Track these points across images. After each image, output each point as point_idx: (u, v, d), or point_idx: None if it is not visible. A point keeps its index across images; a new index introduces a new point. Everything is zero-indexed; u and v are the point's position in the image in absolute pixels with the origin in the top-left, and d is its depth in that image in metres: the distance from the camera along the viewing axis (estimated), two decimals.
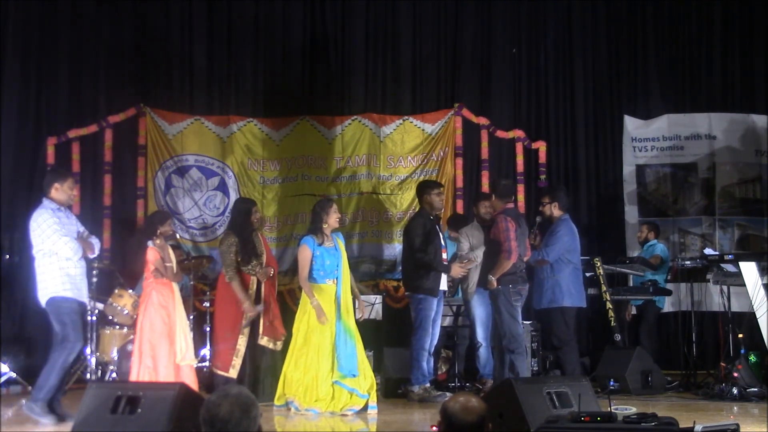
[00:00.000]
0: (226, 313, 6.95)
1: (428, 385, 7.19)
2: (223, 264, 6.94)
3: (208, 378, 7.45)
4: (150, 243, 6.69)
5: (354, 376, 6.41)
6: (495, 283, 6.74)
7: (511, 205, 6.98)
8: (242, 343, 6.81)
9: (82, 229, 6.34)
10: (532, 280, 7.30)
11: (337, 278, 6.58)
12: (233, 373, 6.78)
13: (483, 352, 7.55)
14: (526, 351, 7.80)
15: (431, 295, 7.17)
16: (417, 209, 7.81)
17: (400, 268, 8.28)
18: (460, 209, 9.25)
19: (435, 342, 7.36)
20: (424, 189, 7.49)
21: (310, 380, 6.39)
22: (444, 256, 7.30)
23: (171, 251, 6.92)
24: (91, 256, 6.38)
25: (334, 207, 6.72)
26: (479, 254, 7.34)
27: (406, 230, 7.49)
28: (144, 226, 7.04)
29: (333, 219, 6.61)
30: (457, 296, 7.91)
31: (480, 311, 7.48)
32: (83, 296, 6.25)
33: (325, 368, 6.38)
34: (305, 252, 6.54)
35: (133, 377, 6.55)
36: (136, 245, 6.80)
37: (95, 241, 6.37)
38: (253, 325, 6.87)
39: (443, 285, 7.30)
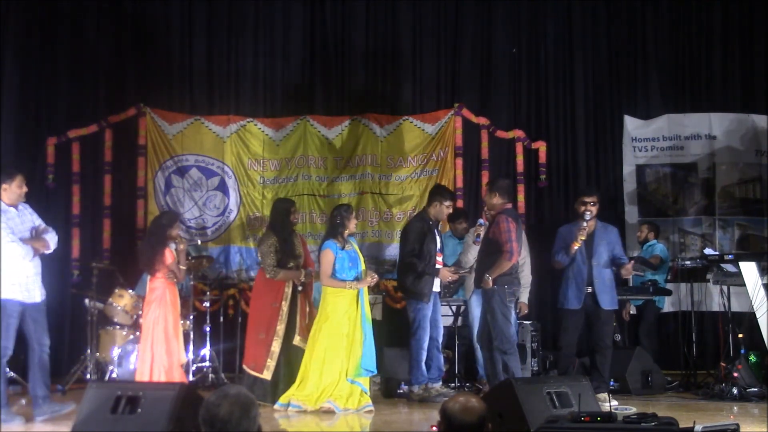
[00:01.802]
0: (261, 314, 7.00)
1: (439, 384, 7.28)
2: (263, 264, 7.01)
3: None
4: (173, 246, 6.78)
5: (373, 373, 6.71)
6: (491, 283, 6.70)
7: (509, 205, 6.96)
8: (276, 345, 6.85)
9: (38, 223, 6.33)
10: (565, 280, 7.16)
11: (357, 279, 6.75)
12: (267, 375, 6.83)
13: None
14: (527, 351, 7.85)
15: (422, 300, 7.23)
16: (417, 211, 7.82)
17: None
18: None
19: (440, 338, 7.42)
20: (437, 196, 7.43)
21: (329, 381, 6.53)
22: (439, 259, 7.33)
23: (184, 256, 7.03)
24: (47, 252, 6.35)
25: (354, 213, 6.99)
26: (470, 255, 7.37)
27: (403, 233, 7.51)
28: (153, 229, 7.06)
29: (352, 224, 6.88)
30: (457, 296, 7.91)
31: (478, 312, 7.46)
32: (34, 297, 6.24)
33: (344, 368, 6.56)
34: (329, 255, 6.70)
35: (145, 376, 6.59)
36: (148, 247, 6.84)
37: (50, 236, 6.31)
38: (290, 327, 6.92)
39: (436, 287, 7.36)
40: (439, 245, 7.38)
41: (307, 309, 7.09)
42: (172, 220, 7.04)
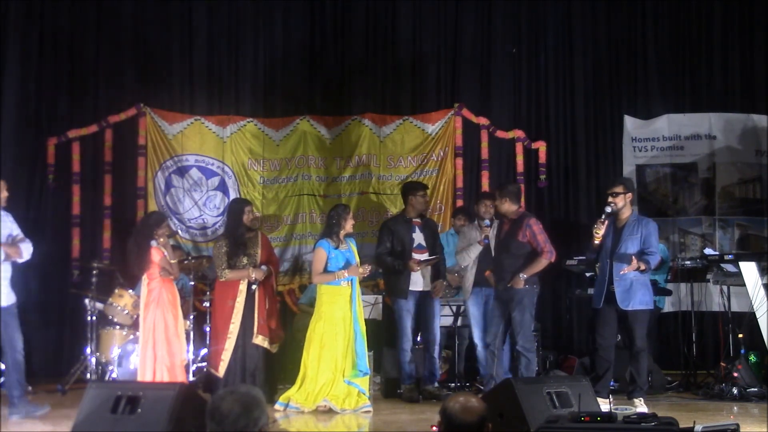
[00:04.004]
0: (217, 314, 7.05)
1: (432, 385, 7.30)
2: (215, 266, 7.03)
3: (204, 378, 7.50)
4: (154, 243, 6.77)
5: (367, 374, 6.67)
6: (522, 283, 6.71)
7: (522, 209, 7.00)
8: (230, 343, 6.85)
9: (17, 233, 6.42)
10: (596, 279, 6.93)
11: (351, 281, 6.75)
12: (220, 372, 6.83)
13: (483, 352, 7.55)
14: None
15: (398, 296, 7.34)
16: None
17: None
18: None
19: (433, 339, 7.42)
20: (407, 190, 7.66)
21: (324, 382, 6.54)
22: (420, 257, 7.36)
23: (171, 250, 7.02)
24: (20, 260, 6.44)
25: (351, 213, 6.97)
26: (471, 254, 7.36)
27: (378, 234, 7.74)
28: (140, 228, 7.07)
29: (349, 224, 6.87)
30: (457, 296, 7.91)
31: (474, 311, 7.46)
32: (4, 300, 6.32)
33: (340, 369, 6.56)
34: (320, 253, 6.73)
35: (148, 377, 6.60)
36: (135, 247, 6.84)
37: (25, 246, 6.42)
38: (247, 324, 6.90)
39: (426, 286, 7.39)
40: (419, 242, 7.45)
41: (266, 305, 7.02)
42: (160, 221, 7.04)
